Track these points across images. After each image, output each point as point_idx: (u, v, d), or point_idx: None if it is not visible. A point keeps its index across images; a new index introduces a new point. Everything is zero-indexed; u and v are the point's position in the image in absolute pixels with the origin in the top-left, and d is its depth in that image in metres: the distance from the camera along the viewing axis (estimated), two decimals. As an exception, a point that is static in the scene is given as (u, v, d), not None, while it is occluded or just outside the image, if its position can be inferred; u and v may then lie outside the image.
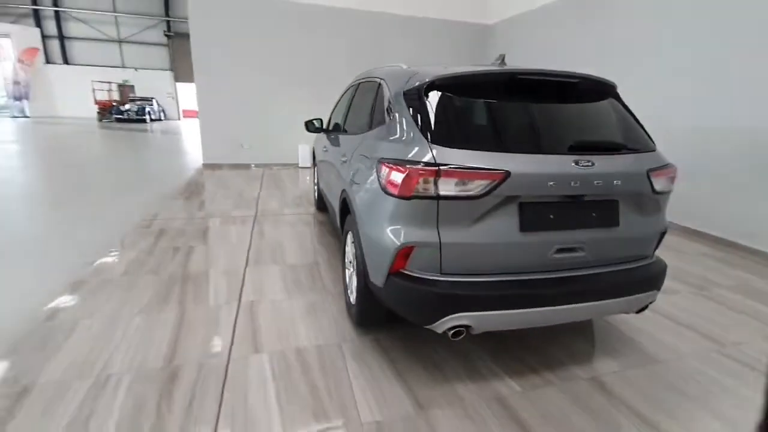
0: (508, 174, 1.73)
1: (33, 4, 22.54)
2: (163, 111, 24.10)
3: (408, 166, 1.75)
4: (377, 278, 1.96)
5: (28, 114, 22.31)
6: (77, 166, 8.47)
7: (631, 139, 2.11)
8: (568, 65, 6.16)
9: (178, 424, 1.74)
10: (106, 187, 6.58)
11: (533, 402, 1.95)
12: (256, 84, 8.03)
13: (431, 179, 1.71)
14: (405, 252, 1.80)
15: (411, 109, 1.97)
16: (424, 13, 8.68)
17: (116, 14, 23.88)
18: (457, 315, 1.78)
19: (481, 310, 1.79)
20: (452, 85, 1.95)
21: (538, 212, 1.86)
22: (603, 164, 1.88)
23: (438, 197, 1.72)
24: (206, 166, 8.20)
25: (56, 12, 23.00)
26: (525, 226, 1.84)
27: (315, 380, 2.05)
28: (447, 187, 1.72)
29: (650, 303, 2.15)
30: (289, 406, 1.87)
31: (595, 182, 1.84)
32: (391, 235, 1.83)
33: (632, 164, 1.99)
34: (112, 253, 3.61)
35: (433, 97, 1.93)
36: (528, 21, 7.64)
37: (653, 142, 2.17)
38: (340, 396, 1.95)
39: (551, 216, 1.86)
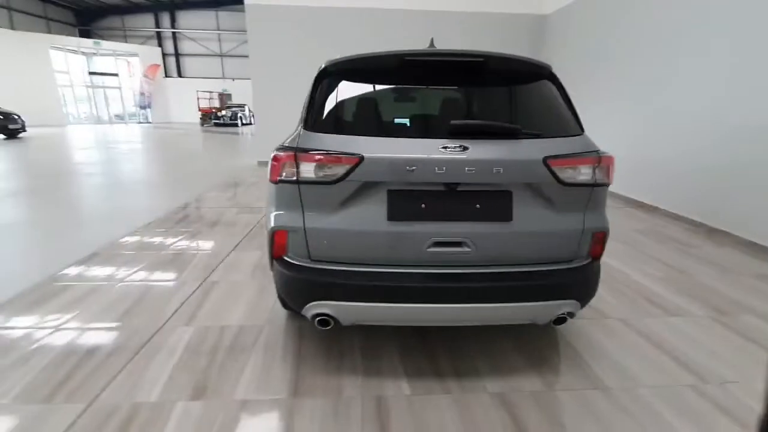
0: (361, 158, 1.63)
1: (156, 27, 26.77)
2: (254, 115, 26.69)
3: (276, 151, 1.75)
4: (270, 263, 1.98)
5: (150, 120, 26.51)
6: (172, 158, 9.89)
7: (547, 124, 1.81)
8: (631, 55, 5.59)
9: (82, 380, 1.97)
10: (175, 177, 7.57)
11: (413, 408, 1.80)
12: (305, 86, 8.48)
13: (293, 164, 1.68)
14: (280, 237, 1.79)
15: (307, 96, 1.96)
16: (478, 7, 8.37)
17: (219, 32, 27.25)
18: (318, 303, 1.73)
19: (342, 300, 1.70)
20: (341, 71, 1.89)
21: (407, 201, 1.70)
22: (479, 150, 1.66)
23: (298, 182, 1.69)
24: (260, 163, 8.90)
25: (173, 33, 27.03)
26: (393, 215, 1.70)
27: (217, 356, 2.15)
28: (306, 172, 1.67)
29: (567, 315, 1.82)
30: (178, 376, 1.99)
31: (467, 169, 1.63)
32: (269, 219, 1.84)
33: (524, 151, 1.71)
34: (136, 234, 4.16)
35: (322, 83, 1.89)
36: (587, 8, 6.90)
37: (581, 127, 1.84)
38: (228, 373, 2.01)
39: (423, 205, 1.69)
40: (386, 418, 1.74)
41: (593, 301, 2.76)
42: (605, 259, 3.52)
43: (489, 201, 1.72)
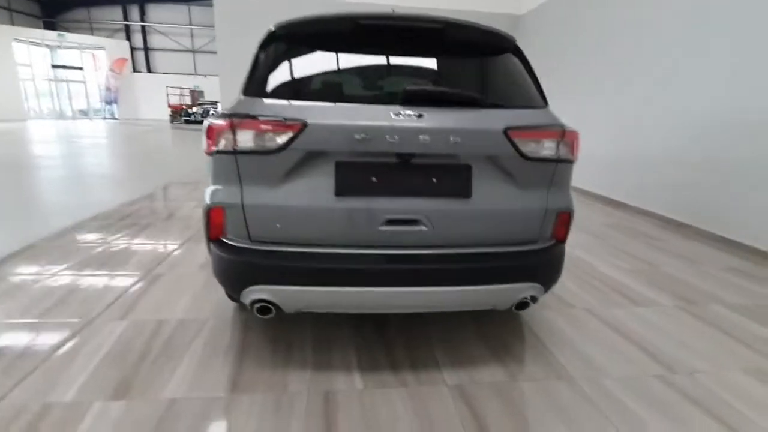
0: (304, 125, 1.47)
1: (124, 20, 25.76)
2: (226, 113, 26.08)
3: (211, 120, 1.55)
4: (207, 246, 1.77)
5: (116, 116, 25.45)
6: (135, 153, 9.40)
7: (509, 95, 1.70)
8: (608, 54, 5.62)
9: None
10: (135, 171, 7.16)
11: (363, 402, 1.63)
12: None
13: (229, 132, 1.49)
14: (216, 215, 1.60)
15: (251, 61, 1.78)
16: (456, 5, 8.35)
17: (192, 27, 26.45)
18: (256, 287, 1.54)
19: (283, 284, 1.52)
20: (291, 34, 1.72)
21: (357, 173, 1.55)
22: (436, 118, 1.52)
23: (235, 152, 1.50)
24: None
25: (142, 26, 26.06)
26: (341, 190, 1.54)
27: (150, 352, 1.92)
28: (244, 141, 1.49)
29: (529, 300, 1.70)
30: (101, 373, 1.76)
31: (422, 138, 1.49)
32: (205, 196, 1.64)
33: (483, 120, 1.58)
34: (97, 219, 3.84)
35: (269, 47, 1.71)
36: (561, 7, 6.97)
37: (545, 100, 1.73)
38: (159, 370, 1.79)
39: (374, 179, 1.54)
40: (333, 413, 1.57)
41: (558, 291, 2.69)
42: (572, 251, 3.49)
43: (447, 175, 1.58)
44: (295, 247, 1.57)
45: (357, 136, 1.47)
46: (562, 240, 1.82)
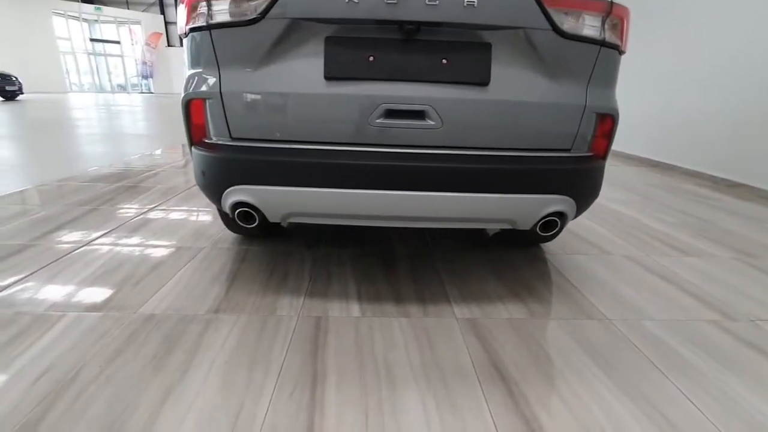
0: None
1: (159, -6, 26.07)
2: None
3: None
4: (189, 150, 1.57)
5: (152, 90, 26.08)
6: (164, 118, 9.55)
7: None
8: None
9: None
10: (160, 131, 7.23)
11: (359, 328, 1.43)
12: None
13: (204, 2, 1.27)
14: (197, 111, 1.40)
15: None
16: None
17: (224, 0, 26.42)
18: (235, 188, 1.34)
19: (264, 184, 1.32)
20: None
21: (350, 51, 1.29)
22: None
23: (209, 26, 1.28)
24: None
25: (176, 0, 26.24)
26: (331, 71, 1.29)
27: (139, 271, 1.80)
28: (219, 11, 1.27)
29: (558, 219, 1.42)
30: (80, 290, 1.65)
31: (428, 1, 1.21)
32: (183, 89, 1.44)
33: None
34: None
35: None
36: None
37: None
38: (147, 287, 1.66)
39: (371, 58, 1.28)
40: (323, 336, 1.38)
41: (592, 238, 2.38)
42: (610, 204, 3.13)
43: (460, 55, 1.30)
44: (278, 143, 1.35)
45: None
46: (601, 155, 1.51)
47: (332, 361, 1.26)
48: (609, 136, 1.48)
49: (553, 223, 1.44)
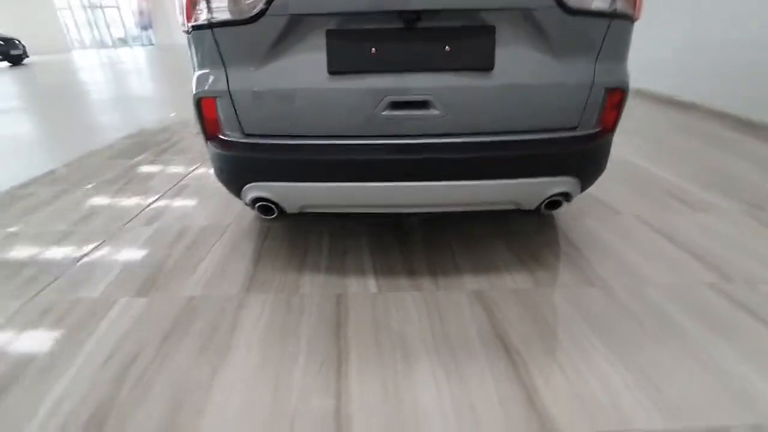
0: None
1: (148, -67, 24.27)
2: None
3: None
4: (205, 141, 1.64)
5: (153, 42, 25.29)
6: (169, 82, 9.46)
7: None
8: None
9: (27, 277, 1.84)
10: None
11: (375, 305, 1.58)
12: None
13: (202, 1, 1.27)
14: (208, 108, 1.45)
15: None
16: None
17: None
18: (254, 185, 1.44)
19: (281, 181, 1.40)
20: None
21: (352, 44, 1.29)
22: None
23: (211, 24, 1.30)
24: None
25: (166, -60, 24.46)
26: (334, 66, 1.31)
27: (174, 252, 1.97)
28: (219, 9, 1.27)
29: (560, 198, 1.47)
30: (134, 271, 1.83)
31: None
32: (192, 86, 1.48)
33: None
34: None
35: None
36: None
37: None
38: (183, 269, 1.84)
39: (373, 50, 1.28)
40: (344, 313, 1.54)
41: (603, 196, 2.40)
42: (623, 155, 3.09)
43: (462, 41, 1.29)
44: (290, 138, 1.41)
45: None
46: (609, 129, 1.51)
47: (353, 338, 1.42)
48: (618, 108, 1.47)
49: (557, 202, 1.50)
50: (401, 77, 1.32)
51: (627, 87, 1.42)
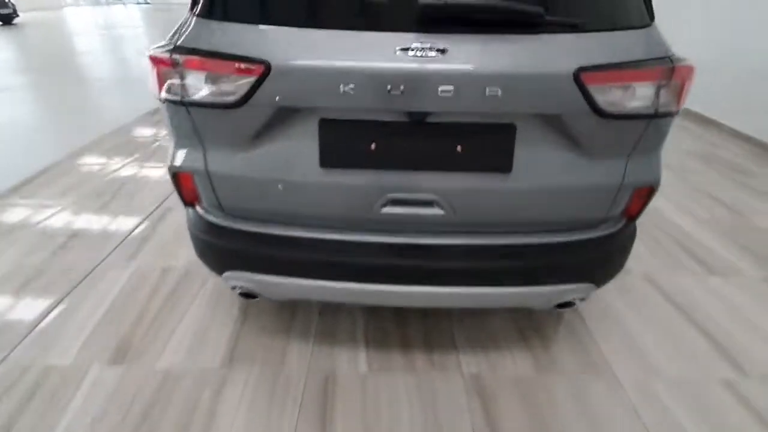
0: (267, 67, 1.02)
1: None
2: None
3: (153, 50, 1.12)
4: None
5: (149, 1, 24.21)
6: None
7: (586, 8, 1.08)
8: None
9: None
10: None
11: (365, 388, 1.48)
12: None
13: (174, 73, 1.09)
14: (186, 181, 1.28)
15: None
16: None
17: None
18: (235, 273, 1.29)
19: (264, 273, 1.26)
20: None
21: (349, 137, 1.12)
22: (466, 53, 1.00)
23: (184, 102, 1.11)
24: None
25: None
26: (327, 159, 1.14)
27: (151, 306, 1.84)
28: (194, 88, 1.08)
29: (576, 301, 1.34)
30: (101, 328, 1.72)
31: (441, 90, 0.99)
32: (168, 155, 1.30)
33: (544, 55, 1.03)
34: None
35: None
36: None
37: (649, 14, 1.11)
38: (156, 333, 1.71)
39: (372, 145, 1.11)
40: (331, 398, 1.44)
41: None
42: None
43: (477, 140, 1.11)
44: (276, 228, 1.26)
45: (344, 87, 1.01)
46: (633, 217, 1.36)
47: (340, 426, 1.34)
48: (647, 199, 1.31)
49: (570, 303, 1.36)
50: (404, 175, 1.16)
51: (659, 182, 1.25)
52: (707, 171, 3.30)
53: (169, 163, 1.26)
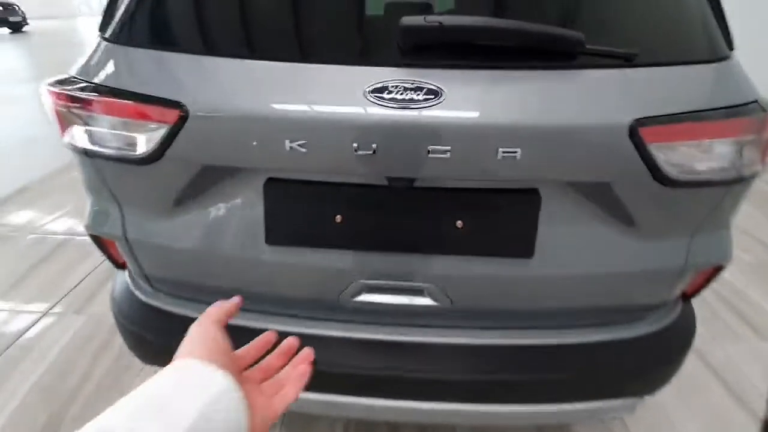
0: (183, 113, 0.72)
1: None
2: None
3: (49, 84, 0.82)
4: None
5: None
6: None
7: (641, 29, 0.77)
8: None
9: None
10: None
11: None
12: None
13: (73, 115, 0.79)
14: (107, 244, 0.99)
15: None
16: None
17: None
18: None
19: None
20: None
21: (306, 205, 0.82)
22: (470, 95, 0.70)
23: (86, 152, 0.81)
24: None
25: None
26: (275, 234, 0.83)
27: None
28: (96, 136, 0.79)
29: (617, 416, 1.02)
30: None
31: (431, 151, 0.69)
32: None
33: (583, 99, 0.71)
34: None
35: None
36: None
37: (728, 40, 0.79)
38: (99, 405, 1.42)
39: (338, 216, 0.80)
40: None
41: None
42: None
43: (484, 214, 0.80)
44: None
45: (290, 144, 0.71)
46: (691, 296, 1.03)
47: None
48: (711, 279, 0.99)
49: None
50: (382, 258, 0.85)
51: (730, 258, 0.93)
52: (758, 210, 2.86)
53: (85, 223, 0.97)
